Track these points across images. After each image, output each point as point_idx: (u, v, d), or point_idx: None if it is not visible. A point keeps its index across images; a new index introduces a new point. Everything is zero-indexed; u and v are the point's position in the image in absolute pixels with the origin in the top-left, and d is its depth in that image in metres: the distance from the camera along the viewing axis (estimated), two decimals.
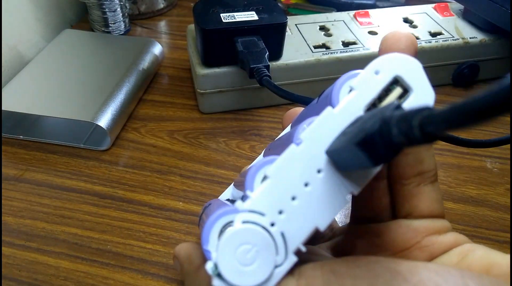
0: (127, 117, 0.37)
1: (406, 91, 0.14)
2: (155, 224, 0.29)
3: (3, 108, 0.34)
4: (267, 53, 0.34)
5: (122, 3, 0.48)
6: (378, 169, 0.14)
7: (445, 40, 0.39)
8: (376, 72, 0.14)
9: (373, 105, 0.14)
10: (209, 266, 0.13)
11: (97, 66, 0.39)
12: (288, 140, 0.15)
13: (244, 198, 0.14)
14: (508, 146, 0.35)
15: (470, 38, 0.40)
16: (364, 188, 0.14)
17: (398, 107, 0.12)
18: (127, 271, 0.26)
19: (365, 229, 0.18)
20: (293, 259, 0.14)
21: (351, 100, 0.14)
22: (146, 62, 0.41)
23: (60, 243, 0.27)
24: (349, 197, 0.14)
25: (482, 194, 0.31)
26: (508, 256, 0.14)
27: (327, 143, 0.14)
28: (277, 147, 0.15)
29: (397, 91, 0.14)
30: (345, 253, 0.18)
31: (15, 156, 0.34)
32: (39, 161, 0.33)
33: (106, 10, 0.46)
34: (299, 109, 0.20)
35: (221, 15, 0.34)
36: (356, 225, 0.19)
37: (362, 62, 0.35)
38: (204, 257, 0.14)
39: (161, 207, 0.30)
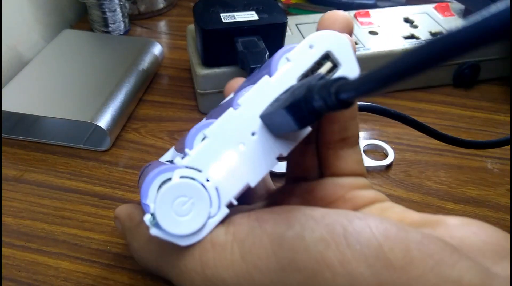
0: (127, 117, 0.37)
1: (335, 66, 0.16)
2: None
3: (2, 109, 0.34)
4: (267, 53, 0.34)
5: (121, 3, 0.47)
6: (305, 134, 0.16)
7: None
8: (311, 46, 0.16)
9: (306, 76, 0.16)
10: (147, 218, 0.14)
11: (96, 67, 0.39)
12: (228, 106, 0.16)
13: (183, 156, 0.15)
14: (508, 146, 0.35)
15: None
16: (296, 151, 0.16)
17: (323, 77, 0.13)
18: (127, 272, 0.26)
19: (297, 187, 0.20)
20: (225, 211, 0.15)
21: (286, 70, 0.15)
22: (146, 63, 0.41)
23: (60, 244, 0.27)
24: (278, 158, 0.16)
25: (483, 195, 0.31)
26: (421, 214, 0.16)
27: (262, 108, 0.15)
28: (218, 113, 0.16)
29: (328, 65, 0.16)
30: None
31: (15, 156, 0.34)
32: (39, 161, 0.33)
33: (106, 10, 0.46)
34: (241, 79, 0.21)
35: (221, 15, 0.34)
36: (289, 184, 0.21)
37: (362, 62, 0.35)
38: (144, 214, 0.15)
39: None
